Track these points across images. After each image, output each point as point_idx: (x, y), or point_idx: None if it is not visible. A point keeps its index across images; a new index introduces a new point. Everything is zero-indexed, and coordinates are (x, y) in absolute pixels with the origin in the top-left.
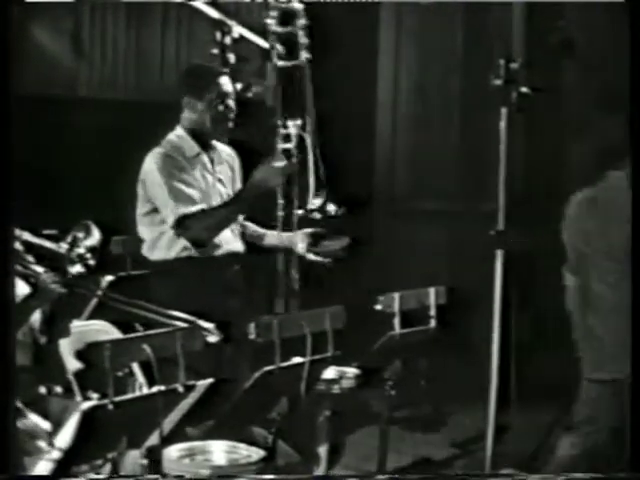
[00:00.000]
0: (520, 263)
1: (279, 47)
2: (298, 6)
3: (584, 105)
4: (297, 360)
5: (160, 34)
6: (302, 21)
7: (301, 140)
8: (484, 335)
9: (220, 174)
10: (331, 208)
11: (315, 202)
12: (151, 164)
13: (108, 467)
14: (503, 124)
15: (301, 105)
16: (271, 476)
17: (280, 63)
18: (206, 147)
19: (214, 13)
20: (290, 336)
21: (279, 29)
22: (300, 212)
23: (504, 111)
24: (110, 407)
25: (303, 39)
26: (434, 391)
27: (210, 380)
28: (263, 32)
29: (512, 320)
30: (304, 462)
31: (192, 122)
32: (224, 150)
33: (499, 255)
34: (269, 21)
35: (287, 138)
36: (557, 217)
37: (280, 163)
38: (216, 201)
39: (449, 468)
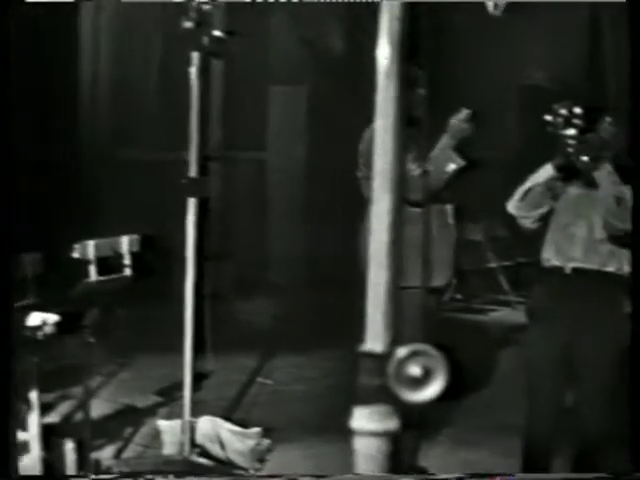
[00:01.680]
0: (217, 211)
1: None
2: None
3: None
4: None
5: None
6: None
7: None
8: (181, 283)
9: None
10: None
11: None
12: None
13: None
14: (194, 69)
15: None
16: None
17: None
18: None
19: None
20: None
21: None
22: None
23: (195, 55)
24: None
25: None
26: (132, 339)
27: None
28: None
29: (207, 268)
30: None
31: None
32: None
33: (192, 203)
34: None
35: None
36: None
37: None
38: None
39: (153, 415)
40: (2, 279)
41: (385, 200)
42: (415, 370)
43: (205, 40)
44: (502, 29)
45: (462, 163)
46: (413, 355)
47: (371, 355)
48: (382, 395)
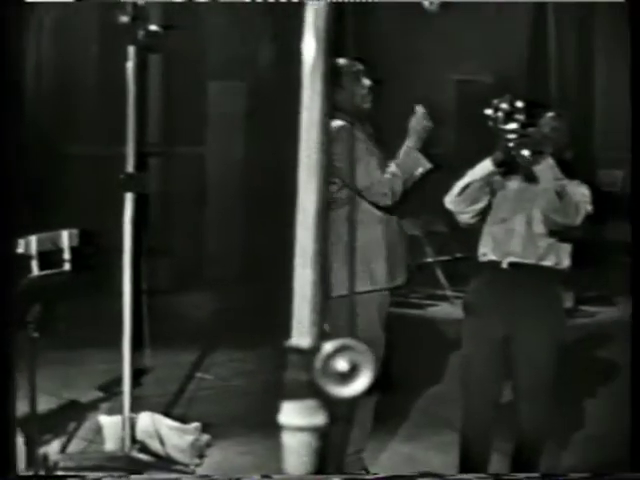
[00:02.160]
0: (156, 206)
1: None
2: None
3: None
4: None
5: None
6: None
7: None
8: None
9: None
10: None
11: None
12: None
13: None
14: (131, 64)
15: None
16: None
17: None
18: None
19: None
20: None
21: None
22: None
23: (132, 50)
24: None
25: None
26: (75, 334)
27: None
28: None
29: (145, 263)
30: None
31: None
32: None
33: (129, 198)
34: None
35: None
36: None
37: None
38: None
39: (96, 410)
40: None
41: (311, 196)
42: (342, 365)
43: (141, 34)
44: (441, 25)
45: (429, 166)
46: (340, 350)
47: (298, 350)
48: (310, 390)
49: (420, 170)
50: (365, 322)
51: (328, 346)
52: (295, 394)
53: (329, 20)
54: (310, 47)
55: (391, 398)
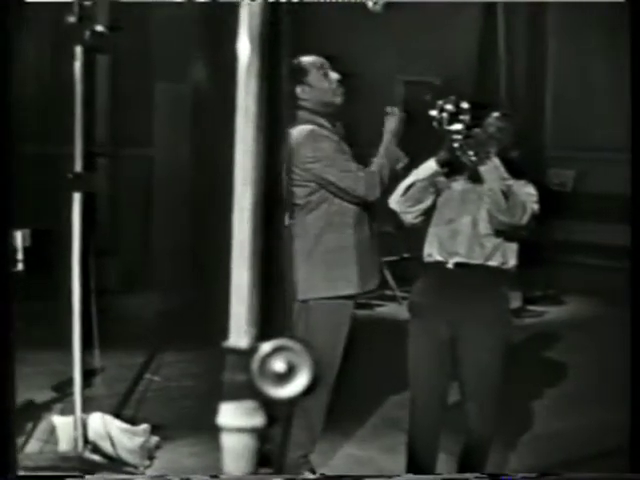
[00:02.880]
0: (105, 206)
1: None
2: None
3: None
4: None
5: None
6: None
7: None
8: (69, 278)
9: None
10: None
11: None
12: None
13: None
14: (78, 64)
15: None
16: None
17: None
18: None
19: None
20: None
21: None
22: None
23: (79, 50)
24: None
25: None
26: (30, 334)
27: None
28: None
29: (92, 262)
30: None
31: None
32: None
33: (77, 198)
34: None
35: None
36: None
37: None
38: None
39: (50, 410)
40: None
41: (247, 196)
42: (279, 365)
43: (87, 35)
44: (389, 26)
45: (407, 160)
46: (277, 350)
47: (235, 351)
48: (248, 391)
49: (400, 165)
50: (330, 327)
51: (265, 346)
52: (233, 395)
53: (264, 20)
54: (244, 47)
55: (341, 400)
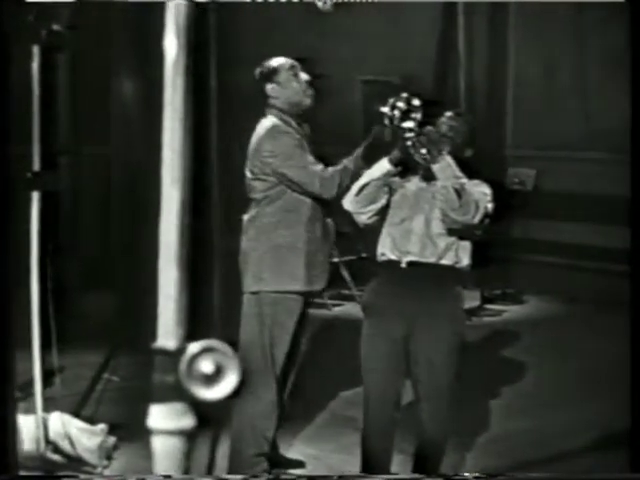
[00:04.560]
0: (64, 205)
1: None
2: None
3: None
4: None
5: None
6: None
7: None
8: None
9: None
10: None
11: None
12: None
13: None
14: (35, 63)
15: None
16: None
17: None
18: None
19: None
20: None
21: None
22: None
23: (36, 49)
24: None
25: None
26: None
27: None
28: None
29: (52, 261)
30: None
31: None
32: None
33: (35, 197)
34: None
35: None
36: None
37: None
38: None
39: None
40: None
41: (174, 196)
42: (207, 367)
43: (44, 34)
44: (345, 25)
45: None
46: (205, 351)
47: (164, 352)
48: (176, 393)
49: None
50: (277, 319)
51: (193, 347)
52: (162, 397)
53: (190, 18)
54: (171, 45)
55: (298, 400)
